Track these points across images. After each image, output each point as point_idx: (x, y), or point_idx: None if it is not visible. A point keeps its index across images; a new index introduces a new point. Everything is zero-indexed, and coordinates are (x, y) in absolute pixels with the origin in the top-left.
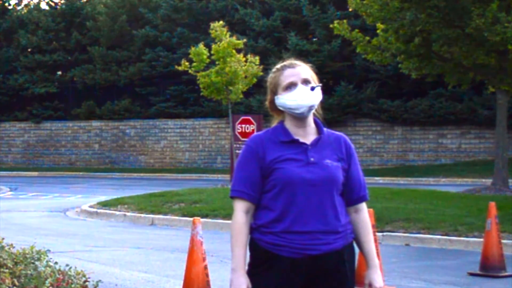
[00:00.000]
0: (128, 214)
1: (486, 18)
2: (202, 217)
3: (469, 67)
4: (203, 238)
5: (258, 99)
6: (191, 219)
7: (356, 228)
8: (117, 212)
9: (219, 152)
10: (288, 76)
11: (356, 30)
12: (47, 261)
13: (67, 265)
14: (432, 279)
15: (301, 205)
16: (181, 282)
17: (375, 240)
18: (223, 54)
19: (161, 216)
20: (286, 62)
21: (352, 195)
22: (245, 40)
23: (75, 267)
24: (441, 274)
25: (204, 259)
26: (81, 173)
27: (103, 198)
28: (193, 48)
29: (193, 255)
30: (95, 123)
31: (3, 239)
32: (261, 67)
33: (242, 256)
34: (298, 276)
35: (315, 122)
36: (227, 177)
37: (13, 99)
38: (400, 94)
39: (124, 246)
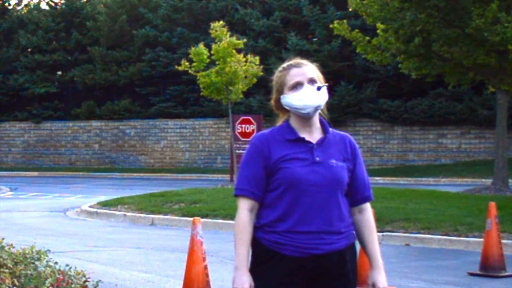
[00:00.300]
0: (128, 214)
1: (486, 18)
2: (202, 217)
3: (469, 67)
4: (203, 238)
5: (258, 99)
6: (191, 219)
7: (360, 228)
8: (117, 212)
9: (219, 152)
10: (294, 75)
11: (356, 30)
12: (47, 261)
13: (67, 265)
14: (432, 279)
15: (305, 206)
16: (181, 282)
17: None
18: (223, 54)
19: (161, 216)
20: (293, 62)
21: (357, 195)
22: (245, 40)
23: (75, 267)
24: (441, 274)
25: (204, 259)
26: (81, 173)
27: (103, 198)
28: (193, 48)
29: (193, 255)
30: (95, 123)
31: (3, 239)
32: (261, 67)
33: (245, 254)
34: (300, 275)
35: (321, 122)
36: (227, 177)
37: (13, 99)
38: (400, 94)
39: (124, 246)
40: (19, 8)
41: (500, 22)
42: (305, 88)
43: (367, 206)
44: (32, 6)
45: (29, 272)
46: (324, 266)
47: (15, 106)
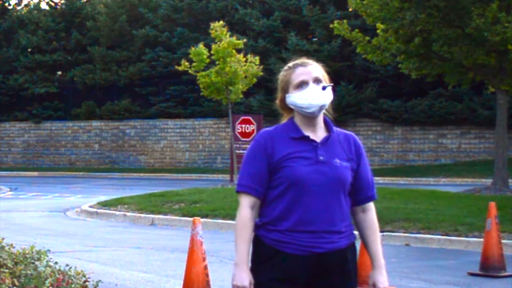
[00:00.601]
0: (128, 214)
1: (486, 18)
2: (202, 217)
3: (469, 67)
4: (203, 238)
5: (258, 99)
6: (191, 219)
7: (363, 227)
8: (117, 212)
9: (219, 152)
10: (299, 74)
11: (356, 30)
12: (47, 261)
13: (67, 265)
14: (432, 279)
15: (307, 205)
16: (181, 282)
17: None
18: (223, 54)
19: (161, 216)
20: (298, 61)
21: (361, 194)
22: (245, 40)
23: (75, 267)
24: (441, 274)
25: (204, 259)
26: (81, 173)
27: (103, 198)
28: (193, 48)
29: (193, 255)
30: (95, 123)
31: (3, 239)
32: (261, 67)
33: (245, 251)
34: (301, 274)
35: (325, 121)
36: (227, 177)
37: (13, 99)
38: (400, 94)
39: (124, 246)
40: (19, 8)
41: (500, 22)
42: (310, 87)
43: (371, 206)
44: (32, 6)
45: (29, 272)
46: (325, 265)
47: (15, 106)
